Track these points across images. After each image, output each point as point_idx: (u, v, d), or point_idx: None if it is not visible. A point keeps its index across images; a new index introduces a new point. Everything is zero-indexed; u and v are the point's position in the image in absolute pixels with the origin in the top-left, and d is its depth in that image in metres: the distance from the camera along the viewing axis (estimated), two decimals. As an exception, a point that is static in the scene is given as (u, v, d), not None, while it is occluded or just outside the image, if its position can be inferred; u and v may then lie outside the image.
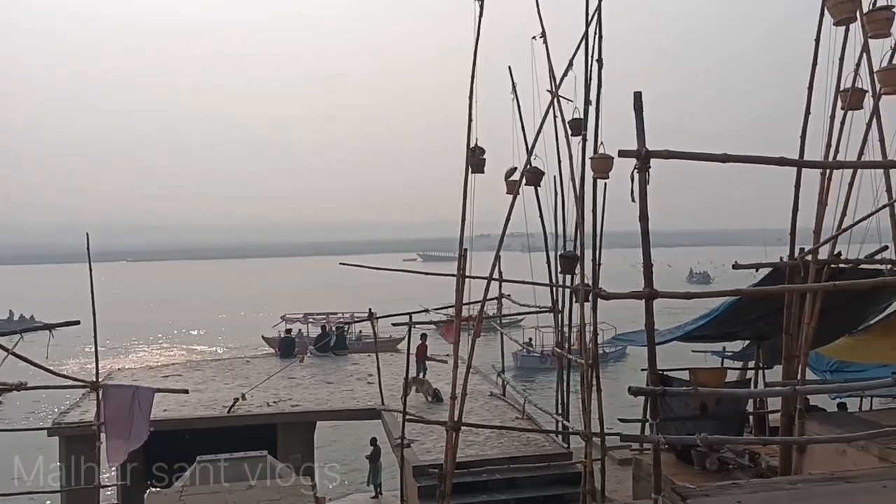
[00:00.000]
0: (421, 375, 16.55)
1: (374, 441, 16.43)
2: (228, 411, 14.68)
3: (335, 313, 37.81)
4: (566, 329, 12.80)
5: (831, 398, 14.07)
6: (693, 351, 16.29)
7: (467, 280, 10.40)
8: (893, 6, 9.23)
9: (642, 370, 9.02)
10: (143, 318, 70.19)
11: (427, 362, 17.10)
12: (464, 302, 10.94)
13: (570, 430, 12.34)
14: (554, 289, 13.22)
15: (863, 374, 13.21)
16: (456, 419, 9.79)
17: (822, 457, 8.90)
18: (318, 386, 17.71)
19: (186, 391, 13.74)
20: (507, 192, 12.01)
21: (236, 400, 15.06)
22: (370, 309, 17.23)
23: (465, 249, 10.33)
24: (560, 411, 13.12)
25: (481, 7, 10.35)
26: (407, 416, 12.10)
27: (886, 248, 10.10)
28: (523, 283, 12.56)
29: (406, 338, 13.84)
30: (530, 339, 35.85)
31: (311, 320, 37.27)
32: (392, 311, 15.49)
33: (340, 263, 13.93)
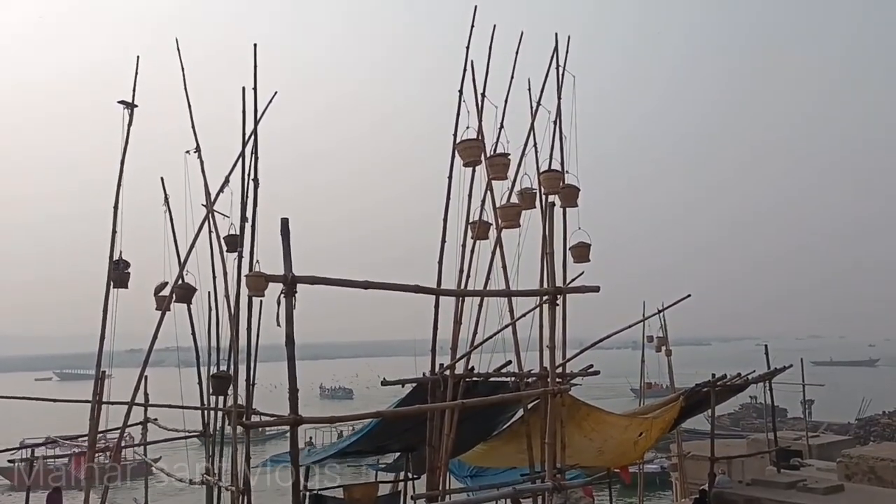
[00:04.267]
0: None
1: None
2: None
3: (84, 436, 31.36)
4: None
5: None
6: (348, 465, 16.48)
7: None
8: (509, 154, 10.88)
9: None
10: None
11: None
12: (101, 430, 9.90)
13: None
14: (206, 410, 12.47)
15: (496, 477, 14.52)
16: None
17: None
18: None
19: None
20: (157, 308, 11.31)
21: None
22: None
23: (104, 371, 9.44)
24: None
25: (131, 115, 9.91)
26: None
27: (511, 362, 11.44)
28: (170, 406, 11.68)
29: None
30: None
31: (56, 443, 30.34)
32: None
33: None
